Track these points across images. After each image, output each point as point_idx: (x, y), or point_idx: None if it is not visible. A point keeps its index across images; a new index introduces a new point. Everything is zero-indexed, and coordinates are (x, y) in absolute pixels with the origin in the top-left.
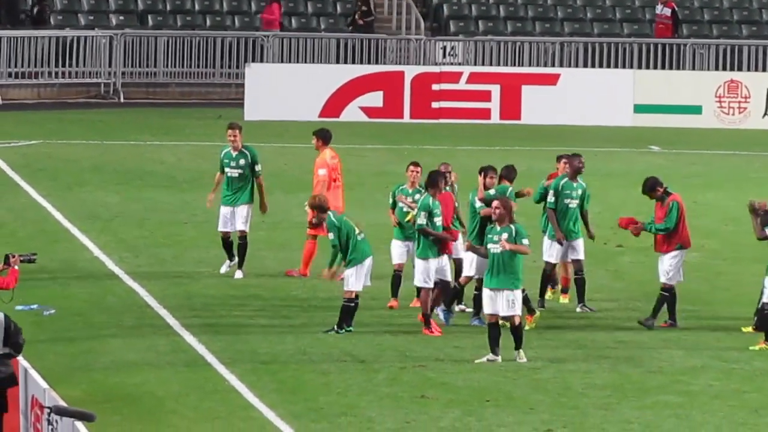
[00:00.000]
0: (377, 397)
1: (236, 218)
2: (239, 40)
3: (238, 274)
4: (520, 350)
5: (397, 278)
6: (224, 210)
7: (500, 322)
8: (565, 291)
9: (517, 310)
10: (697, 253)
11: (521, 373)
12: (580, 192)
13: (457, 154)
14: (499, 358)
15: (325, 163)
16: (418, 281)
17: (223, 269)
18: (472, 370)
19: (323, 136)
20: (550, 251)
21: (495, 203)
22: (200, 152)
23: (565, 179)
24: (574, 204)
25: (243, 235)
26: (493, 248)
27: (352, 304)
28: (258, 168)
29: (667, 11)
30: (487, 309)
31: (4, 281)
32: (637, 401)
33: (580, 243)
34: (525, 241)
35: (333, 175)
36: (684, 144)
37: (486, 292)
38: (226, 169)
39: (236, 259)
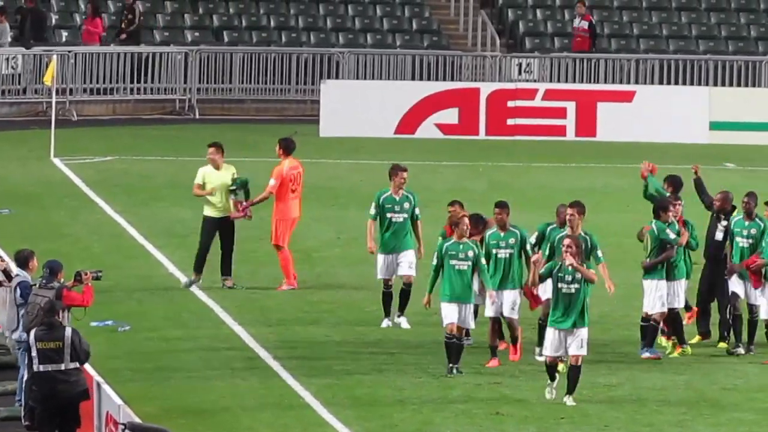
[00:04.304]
0: (452, 413)
1: (402, 263)
2: (315, 56)
3: (405, 324)
4: (572, 395)
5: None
6: (386, 258)
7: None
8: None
9: (585, 350)
10: None
11: (596, 390)
12: (753, 231)
13: (533, 172)
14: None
15: (281, 173)
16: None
17: (385, 324)
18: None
19: (285, 146)
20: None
21: (567, 242)
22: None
23: (739, 217)
24: (745, 243)
25: (411, 282)
26: (565, 288)
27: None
28: (418, 211)
29: (585, 24)
30: (549, 350)
31: (83, 298)
32: (712, 418)
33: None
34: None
35: (291, 186)
36: (760, 161)
37: (552, 332)
38: (389, 214)
39: (394, 314)
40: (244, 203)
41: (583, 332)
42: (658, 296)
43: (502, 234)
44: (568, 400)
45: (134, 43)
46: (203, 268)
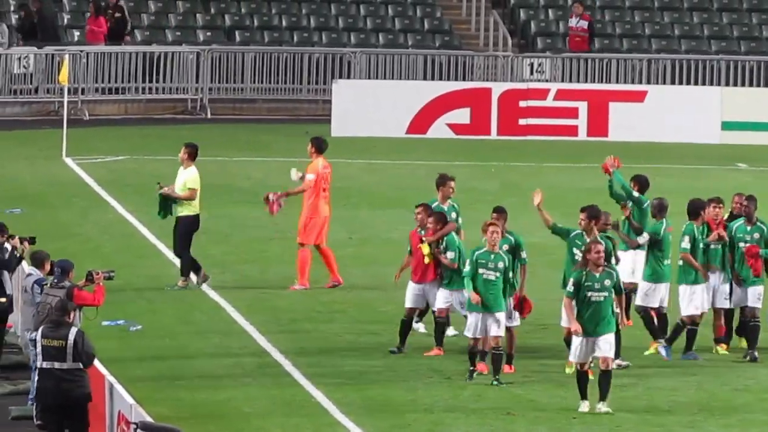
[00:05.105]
0: (464, 413)
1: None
2: (326, 56)
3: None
4: (605, 401)
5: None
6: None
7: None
8: (720, 341)
9: (612, 353)
10: None
11: None
12: (756, 235)
13: (544, 172)
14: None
15: (317, 169)
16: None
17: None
18: (559, 386)
19: (318, 145)
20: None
21: (596, 247)
22: (287, 168)
23: (740, 223)
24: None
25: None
26: (595, 296)
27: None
28: (461, 221)
29: (584, 24)
30: (576, 357)
31: (95, 298)
32: (723, 419)
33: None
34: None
35: (323, 184)
36: None
37: (579, 340)
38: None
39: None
40: (279, 193)
41: (610, 337)
42: (693, 300)
43: None
44: (602, 407)
45: (126, 42)
46: (198, 268)
